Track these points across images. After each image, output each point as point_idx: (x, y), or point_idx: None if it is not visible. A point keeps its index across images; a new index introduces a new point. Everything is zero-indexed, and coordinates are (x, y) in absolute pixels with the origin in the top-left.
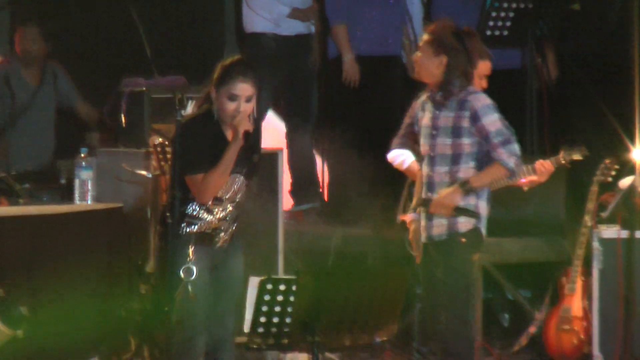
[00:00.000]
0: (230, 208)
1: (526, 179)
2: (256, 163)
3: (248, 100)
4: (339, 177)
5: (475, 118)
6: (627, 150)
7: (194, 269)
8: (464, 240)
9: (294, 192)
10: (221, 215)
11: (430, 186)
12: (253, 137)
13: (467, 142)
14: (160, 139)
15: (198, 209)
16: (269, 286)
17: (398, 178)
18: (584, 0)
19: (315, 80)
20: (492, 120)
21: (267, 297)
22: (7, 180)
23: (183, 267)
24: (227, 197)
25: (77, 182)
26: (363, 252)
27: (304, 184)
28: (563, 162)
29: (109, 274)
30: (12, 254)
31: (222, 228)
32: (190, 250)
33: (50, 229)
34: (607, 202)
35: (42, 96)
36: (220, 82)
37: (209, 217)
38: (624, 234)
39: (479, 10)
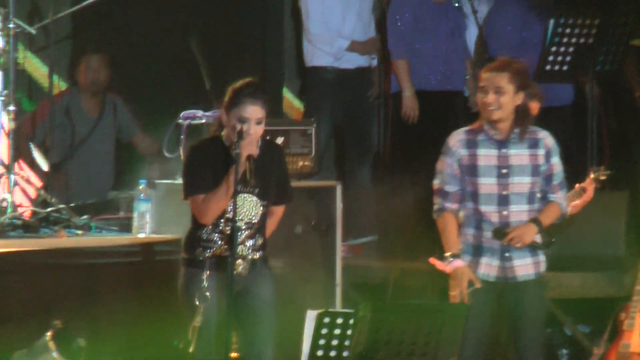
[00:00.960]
0: (246, 230)
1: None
2: (279, 182)
3: (258, 122)
4: (398, 211)
5: (548, 156)
6: None
7: (208, 294)
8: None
9: (352, 225)
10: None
11: (504, 226)
12: (266, 159)
13: (539, 180)
14: None
15: (211, 233)
16: (327, 320)
17: None
18: None
19: (376, 114)
20: (558, 161)
21: (324, 331)
22: (65, 212)
23: (198, 294)
24: (239, 218)
25: (136, 215)
26: (421, 286)
27: (362, 217)
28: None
29: (166, 306)
30: (70, 285)
31: (239, 253)
32: (205, 275)
33: (108, 261)
34: None
35: (102, 128)
36: (230, 105)
37: (223, 240)
38: None
39: (536, 44)
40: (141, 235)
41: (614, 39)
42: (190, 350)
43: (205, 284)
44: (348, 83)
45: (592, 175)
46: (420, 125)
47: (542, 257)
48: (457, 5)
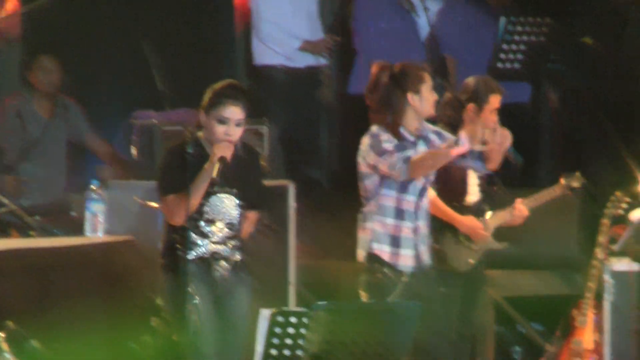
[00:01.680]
0: (226, 231)
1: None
2: (258, 187)
3: (238, 124)
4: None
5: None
6: (638, 183)
7: (195, 298)
8: None
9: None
10: (217, 238)
11: (417, 216)
12: (245, 163)
13: None
14: None
15: (192, 234)
16: (280, 319)
17: None
18: (597, 34)
19: (326, 114)
20: None
21: (278, 330)
22: (18, 213)
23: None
24: (219, 218)
25: (88, 215)
26: None
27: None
28: (564, 189)
29: (120, 307)
30: (23, 287)
31: (222, 254)
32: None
33: (62, 261)
34: (618, 235)
35: (54, 129)
36: (210, 106)
37: (205, 241)
38: (636, 267)
39: (489, 42)
40: (94, 236)
41: (566, 38)
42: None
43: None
44: (298, 83)
45: (562, 182)
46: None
47: None
48: (411, 4)
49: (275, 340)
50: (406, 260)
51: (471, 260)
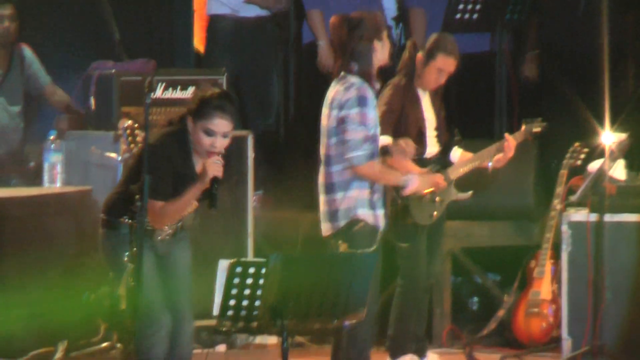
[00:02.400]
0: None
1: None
2: (215, 193)
3: (225, 136)
4: (309, 163)
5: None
6: (595, 134)
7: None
8: None
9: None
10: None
11: None
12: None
13: None
14: (130, 122)
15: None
16: (239, 269)
17: None
18: None
19: (275, 65)
20: None
21: (236, 281)
22: None
23: (127, 253)
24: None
25: (46, 166)
26: None
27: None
28: (526, 134)
29: (79, 257)
30: None
31: (165, 229)
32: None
33: (18, 211)
34: (576, 186)
35: (11, 80)
36: (197, 115)
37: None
38: (593, 217)
39: None
40: (51, 187)
41: None
42: (122, 307)
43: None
44: (247, 32)
45: (523, 127)
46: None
47: None
48: None
49: (234, 291)
50: (381, 219)
51: (435, 213)
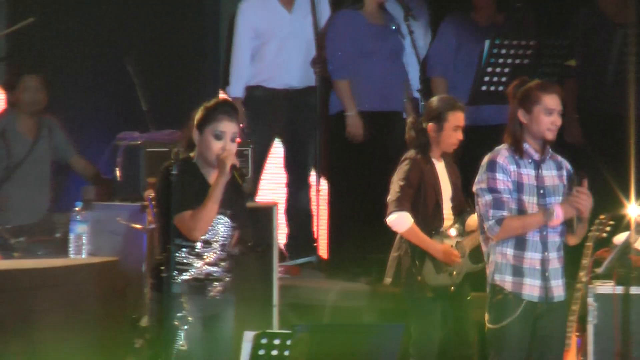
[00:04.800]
0: (220, 252)
1: None
2: (244, 207)
3: (233, 138)
4: (337, 232)
5: (568, 178)
6: (622, 206)
7: (189, 317)
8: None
9: (290, 246)
10: (211, 259)
11: (545, 245)
12: (233, 184)
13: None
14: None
15: (187, 255)
16: (264, 341)
17: (394, 235)
18: (582, 56)
19: (313, 136)
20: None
21: (261, 352)
22: (2, 234)
23: (178, 316)
24: (214, 239)
25: (72, 236)
26: (358, 307)
27: (300, 237)
28: None
29: (104, 328)
30: (7, 308)
31: (215, 275)
32: (184, 299)
33: (46, 282)
34: (602, 258)
35: (38, 150)
36: (204, 122)
37: (200, 263)
38: (619, 290)
39: (474, 65)
40: (78, 257)
41: (550, 60)
42: None
43: (185, 306)
44: (279, 103)
45: None
46: (360, 146)
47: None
48: (394, 28)
49: None
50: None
51: (452, 288)
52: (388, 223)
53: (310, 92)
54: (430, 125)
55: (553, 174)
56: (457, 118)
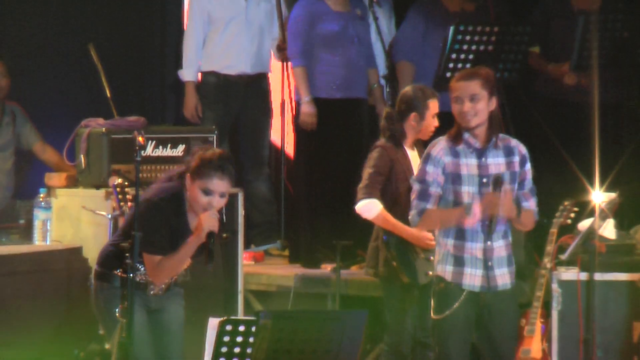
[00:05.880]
0: None
1: None
2: (212, 249)
3: (222, 196)
4: (300, 219)
5: (523, 163)
6: (586, 192)
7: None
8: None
9: (253, 234)
10: None
11: (487, 234)
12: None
13: (515, 188)
14: (120, 180)
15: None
16: (229, 327)
17: (360, 222)
18: (544, 43)
19: (269, 123)
20: (529, 168)
21: (226, 339)
22: None
23: (119, 308)
24: None
25: (36, 223)
26: (322, 293)
27: (263, 225)
28: None
29: (68, 314)
30: None
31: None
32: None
33: (10, 269)
34: (566, 245)
35: (1, 136)
36: (196, 174)
37: (144, 269)
38: (583, 276)
39: (438, 51)
40: (42, 244)
41: (514, 47)
42: None
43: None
44: (233, 90)
45: None
46: (323, 133)
47: (513, 267)
48: (359, 13)
49: (224, 349)
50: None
51: (430, 272)
52: (357, 210)
53: (264, 79)
54: (413, 115)
55: (499, 162)
56: (435, 105)
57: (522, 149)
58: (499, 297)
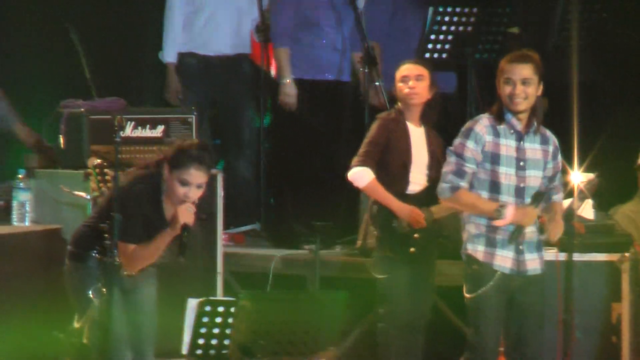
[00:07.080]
0: None
1: None
2: (186, 242)
3: (199, 187)
4: (280, 199)
5: (555, 154)
6: (565, 173)
7: (103, 289)
8: None
9: (233, 214)
10: None
11: None
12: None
13: (544, 177)
14: (99, 161)
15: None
16: (208, 308)
17: (341, 201)
18: (523, 24)
19: (250, 103)
20: (560, 161)
21: (205, 320)
22: None
23: (92, 288)
24: None
25: (14, 204)
26: (302, 275)
27: (243, 205)
28: None
29: (48, 295)
30: None
31: None
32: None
33: None
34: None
35: None
36: (174, 164)
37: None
38: (562, 256)
39: (414, 32)
40: (20, 225)
41: (493, 28)
42: (84, 340)
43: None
44: (213, 71)
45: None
46: (304, 115)
47: (543, 253)
48: None
49: (203, 330)
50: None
51: (412, 249)
52: (349, 177)
53: (244, 60)
54: (393, 89)
55: (536, 147)
56: (401, 70)
57: (556, 141)
58: (529, 282)
